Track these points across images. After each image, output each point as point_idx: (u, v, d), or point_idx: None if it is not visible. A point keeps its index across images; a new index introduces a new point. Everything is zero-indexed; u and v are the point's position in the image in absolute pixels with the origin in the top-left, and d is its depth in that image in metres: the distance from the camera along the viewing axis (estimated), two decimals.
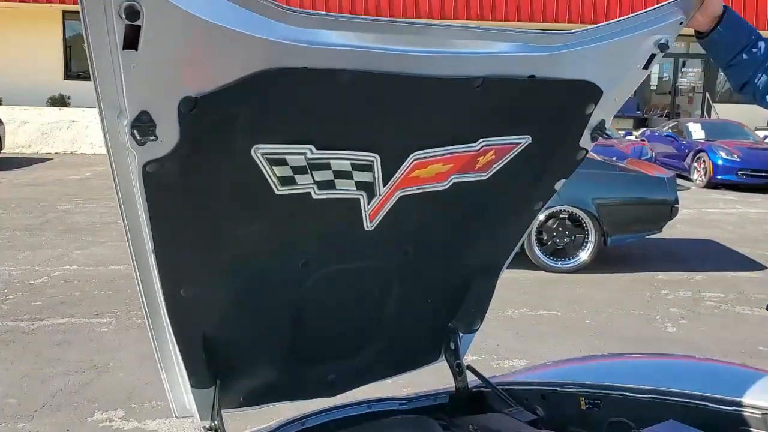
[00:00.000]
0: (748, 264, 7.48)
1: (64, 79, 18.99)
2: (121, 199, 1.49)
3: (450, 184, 1.83)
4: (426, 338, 2.22)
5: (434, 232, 1.96)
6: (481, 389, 2.22)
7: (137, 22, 1.16)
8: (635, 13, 1.80)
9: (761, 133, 16.46)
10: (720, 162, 13.89)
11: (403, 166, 1.72)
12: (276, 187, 1.59)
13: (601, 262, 6.98)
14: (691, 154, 14.62)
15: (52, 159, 15.84)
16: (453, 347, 2.21)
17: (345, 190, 1.70)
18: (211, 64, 1.31)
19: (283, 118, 1.49)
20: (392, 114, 1.62)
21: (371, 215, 1.79)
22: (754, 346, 4.86)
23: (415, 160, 1.72)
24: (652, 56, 1.84)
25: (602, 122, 1.97)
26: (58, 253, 7.21)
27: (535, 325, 5.26)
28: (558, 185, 2.08)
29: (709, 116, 20.49)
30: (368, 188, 1.72)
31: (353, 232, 1.80)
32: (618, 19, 1.79)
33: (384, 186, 1.73)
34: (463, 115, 1.73)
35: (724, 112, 19.72)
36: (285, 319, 1.89)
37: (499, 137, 1.81)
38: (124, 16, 1.15)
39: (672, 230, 7.41)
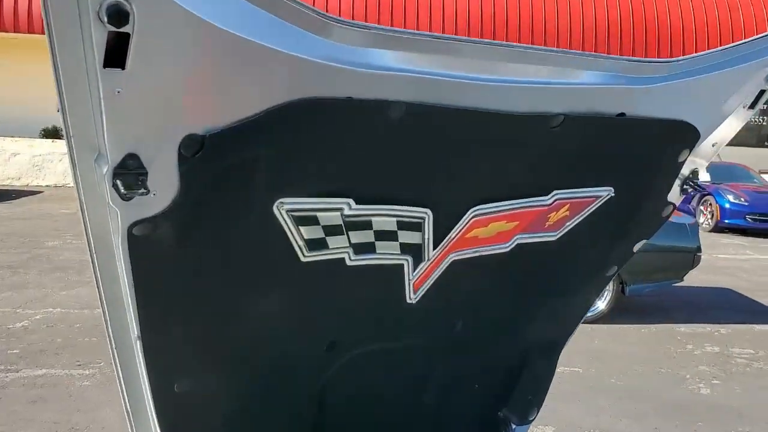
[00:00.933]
0: None
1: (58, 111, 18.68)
2: (98, 271, 1.12)
3: (513, 245, 1.48)
4: (471, 431, 1.83)
5: (489, 304, 1.60)
6: None
7: (125, 29, 0.80)
8: (744, 41, 1.46)
9: (767, 177, 16.24)
10: (727, 206, 13.62)
11: (459, 224, 1.37)
12: (302, 253, 1.23)
13: (618, 312, 6.59)
14: (697, 197, 14.35)
15: (42, 192, 15.44)
16: None
17: (387, 254, 1.35)
18: (225, 91, 0.95)
19: (317, 163, 1.13)
20: (452, 159, 1.27)
21: (416, 284, 1.43)
22: None
23: (474, 217, 1.37)
24: (762, 93, 1.50)
25: (695, 172, 1.62)
26: (42, 293, 6.77)
27: (556, 384, 4.82)
28: (637, 247, 1.72)
29: None
30: (415, 252, 1.37)
31: (392, 305, 1.45)
32: (724, 47, 1.46)
33: (434, 249, 1.38)
34: (537, 162, 1.39)
35: (724, 154, 19.58)
36: (304, 416, 1.51)
37: (577, 189, 1.48)
38: (106, 19, 0.78)
39: (686, 277, 7.04)
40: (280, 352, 1.38)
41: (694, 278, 8.34)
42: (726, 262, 10.48)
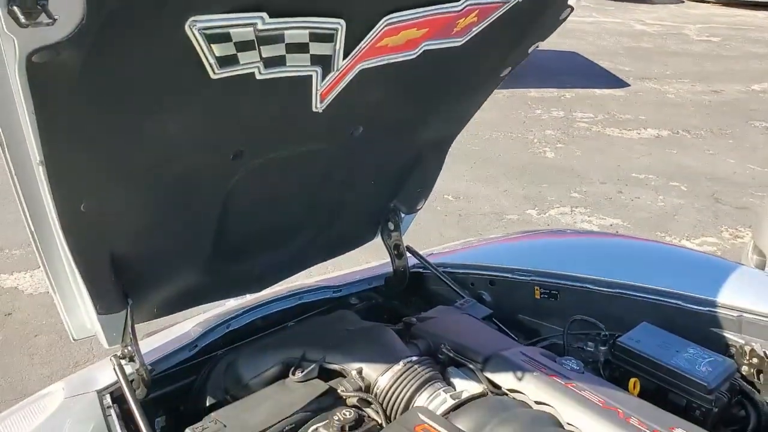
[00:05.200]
0: (611, 81, 7.64)
1: None
2: None
3: (420, 52, 1.49)
4: (364, 220, 1.95)
5: (391, 108, 1.63)
6: (420, 270, 2.02)
7: None
8: None
9: None
10: None
11: (371, 33, 1.35)
12: (213, 70, 1.18)
13: None
14: None
15: None
16: (392, 227, 1.97)
17: (297, 66, 1.32)
18: None
19: None
20: None
21: (323, 94, 1.43)
22: (628, 173, 5.01)
23: (387, 25, 1.36)
24: None
25: None
26: None
27: None
28: (531, 49, 1.77)
29: None
30: (325, 63, 1.35)
31: (298, 115, 1.45)
32: None
33: (344, 59, 1.37)
34: None
35: None
36: (209, 219, 1.54)
37: None
38: None
39: None
40: (187, 165, 1.36)
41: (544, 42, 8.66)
42: (572, 24, 10.89)
